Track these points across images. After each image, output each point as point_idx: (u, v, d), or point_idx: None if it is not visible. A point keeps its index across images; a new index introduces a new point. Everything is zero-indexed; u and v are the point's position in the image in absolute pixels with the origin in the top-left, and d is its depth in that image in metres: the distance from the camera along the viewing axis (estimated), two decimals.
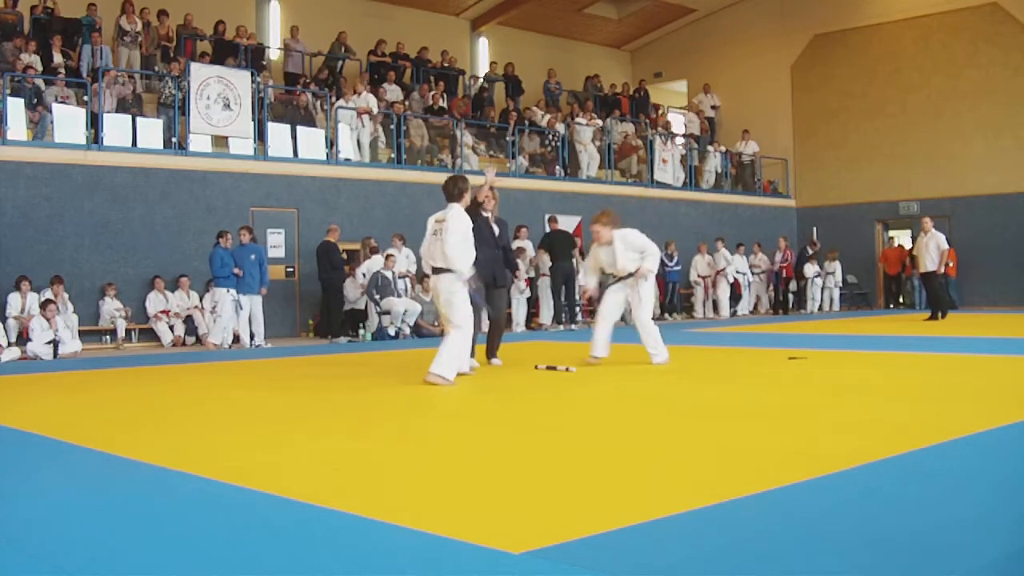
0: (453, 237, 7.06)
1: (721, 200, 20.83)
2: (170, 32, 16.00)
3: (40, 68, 13.55)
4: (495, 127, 18.39)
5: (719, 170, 21.20)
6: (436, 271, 7.27)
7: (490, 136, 18.38)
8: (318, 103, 15.49)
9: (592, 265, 8.81)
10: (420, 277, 14.35)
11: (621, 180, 19.41)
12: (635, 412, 5.57)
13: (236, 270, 12.19)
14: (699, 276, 18.43)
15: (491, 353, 9.05)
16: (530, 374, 8.06)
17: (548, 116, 18.81)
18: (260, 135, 14.30)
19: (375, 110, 15.80)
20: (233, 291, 12.24)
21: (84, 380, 8.30)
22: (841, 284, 20.37)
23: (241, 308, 12.42)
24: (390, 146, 16.13)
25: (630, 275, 8.46)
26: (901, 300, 20.26)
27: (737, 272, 18.77)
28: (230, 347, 12.30)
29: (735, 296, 18.79)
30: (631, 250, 8.43)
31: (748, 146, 22.03)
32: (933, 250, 14.78)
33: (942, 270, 15.06)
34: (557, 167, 18.08)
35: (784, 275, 19.68)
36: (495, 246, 8.80)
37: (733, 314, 18.55)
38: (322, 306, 13.95)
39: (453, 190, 7.27)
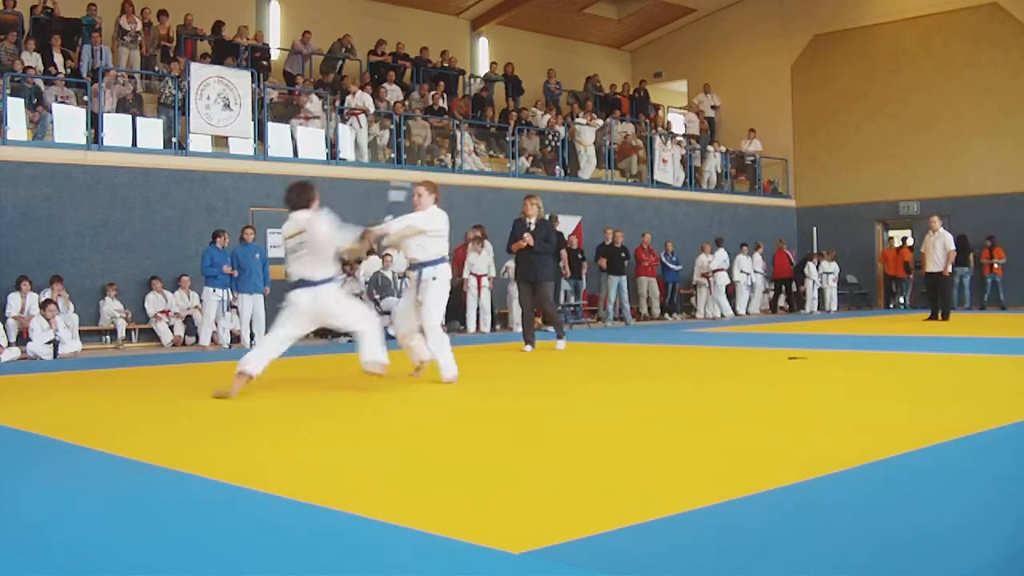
0: (328, 236, 6.37)
1: (721, 200, 20.85)
2: (170, 32, 16.01)
3: (40, 68, 13.56)
4: (495, 127, 18.39)
5: (719, 170, 21.22)
6: (307, 284, 6.47)
7: (490, 136, 18.39)
8: (319, 103, 15.48)
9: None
10: None
11: (621, 180, 19.42)
12: (635, 412, 5.57)
13: (227, 269, 12.16)
14: (703, 276, 18.45)
15: (558, 337, 10.50)
16: (529, 374, 8.06)
17: (547, 117, 18.81)
18: (260, 135, 14.30)
19: (371, 110, 15.78)
20: (219, 291, 12.24)
21: (84, 380, 8.30)
22: (839, 284, 20.41)
23: (228, 309, 12.43)
24: (390, 146, 16.13)
25: (420, 269, 7.22)
26: (903, 301, 20.27)
27: (741, 272, 18.81)
28: (230, 347, 12.29)
29: (731, 296, 18.83)
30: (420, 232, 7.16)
31: (753, 144, 22.04)
32: (940, 250, 14.70)
33: (949, 270, 14.97)
34: (557, 167, 18.08)
35: (773, 276, 19.88)
36: (535, 248, 10.14)
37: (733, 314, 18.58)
38: None
39: (299, 200, 6.51)
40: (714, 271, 18.16)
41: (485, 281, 14.90)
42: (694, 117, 22.66)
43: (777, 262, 20.02)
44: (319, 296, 6.46)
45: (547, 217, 11.06)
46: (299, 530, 2.95)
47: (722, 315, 18.05)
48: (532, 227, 10.27)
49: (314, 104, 15.24)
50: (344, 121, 15.44)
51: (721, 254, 18.21)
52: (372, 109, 15.80)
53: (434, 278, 7.14)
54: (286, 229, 6.60)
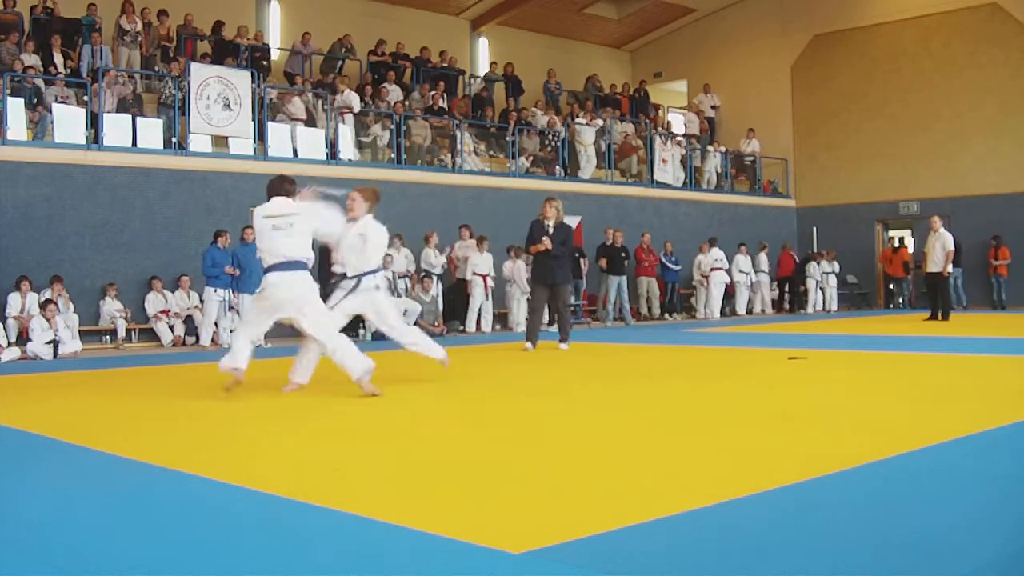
0: (324, 216, 6.44)
1: (721, 200, 20.85)
2: (170, 32, 16.01)
3: (40, 68, 13.56)
4: (495, 127, 18.40)
5: (719, 170, 21.22)
6: (285, 266, 6.26)
7: (490, 136, 18.39)
8: (319, 103, 15.49)
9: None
10: (420, 277, 14.38)
11: (621, 180, 19.42)
12: (635, 412, 5.57)
13: (229, 269, 12.17)
14: (701, 276, 18.47)
15: (562, 339, 10.53)
16: (530, 374, 8.06)
17: (548, 117, 18.80)
18: (260, 135, 14.30)
19: (357, 108, 15.65)
20: (220, 291, 12.26)
21: (84, 380, 8.30)
22: (839, 284, 20.43)
23: (230, 308, 12.44)
24: (390, 146, 16.13)
25: (359, 280, 6.90)
26: (901, 301, 20.27)
27: (740, 272, 18.83)
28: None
29: (728, 296, 18.88)
30: (371, 245, 6.92)
31: (751, 144, 22.05)
32: (939, 251, 14.70)
33: (949, 270, 14.96)
34: (557, 167, 18.08)
35: (777, 275, 19.98)
36: (552, 251, 10.17)
37: (727, 314, 18.60)
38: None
39: (281, 188, 6.45)
40: (711, 270, 18.17)
41: (489, 281, 14.88)
42: (694, 117, 22.65)
43: (782, 262, 20.08)
44: (294, 282, 6.28)
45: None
46: (299, 530, 2.95)
47: (714, 315, 18.00)
48: (551, 230, 10.29)
49: (296, 106, 15.13)
50: (330, 119, 15.40)
51: (715, 253, 18.18)
52: (357, 108, 15.64)
53: (377, 287, 7.07)
54: (272, 208, 6.36)
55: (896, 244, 20.71)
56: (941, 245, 14.70)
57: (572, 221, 17.08)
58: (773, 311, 19.99)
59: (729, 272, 18.53)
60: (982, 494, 3.32)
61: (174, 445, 4.66)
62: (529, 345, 10.40)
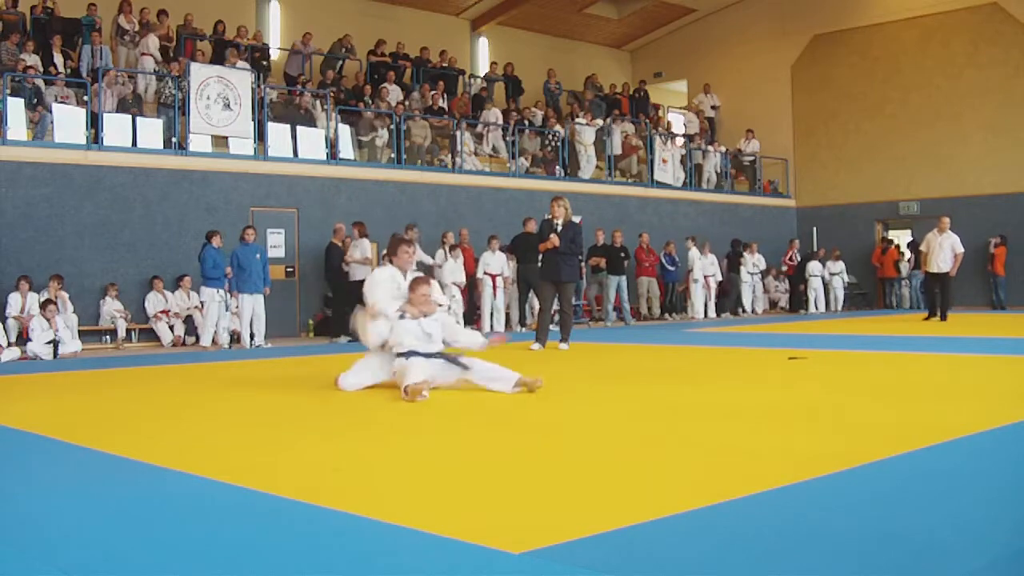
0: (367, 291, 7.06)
1: (721, 200, 20.85)
2: (170, 32, 16.01)
3: (40, 68, 13.56)
4: (495, 127, 18.39)
5: (719, 170, 21.22)
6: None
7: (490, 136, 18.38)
8: (318, 103, 15.50)
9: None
10: None
11: (621, 180, 19.42)
12: (634, 412, 5.57)
13: (228, 272, 12.16)
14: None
15: (563, 339, 10.67)
16: (530, 374, 8.05)
17: (546, 118, 18.77)
18: (260, 135, 14.29)
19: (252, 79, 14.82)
20: (221, 291, 12.25)
21: (84, 380, 8.30)
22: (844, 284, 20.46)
23: (228, 309, 12.44)
24: (390, 146, 16.13)
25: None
26: (894, 301, 20.25)
27: (747, 272, 18.87)
28: (230, 347, 12.30)
29: (727, 296, 18.88)
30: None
31: (751, 144, 22.05)
32: (948, 251, 14.66)
33: (955, 272, 14.93)
34: (557, 167, 18.08)
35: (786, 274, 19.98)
36: (560, 249, 10.35)
37: (727, 311, 18.60)
38: (333, 305, 13.84)
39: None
40: (689, 271, 18.13)
41: (499, 281, 14.78)
42: (694, 117, 22.66)
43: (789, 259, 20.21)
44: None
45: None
46: (300, 530, 2.95)
47: (700, 315, 17.94)
48: (559, 228, 10.46)
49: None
50: (329, 119, 15.40)
51: (692, 253, 18.06)
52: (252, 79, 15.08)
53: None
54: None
55: (884, 244, 20.68)
56: (950, 246, 14.66)
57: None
58: (770, 310, 19.99)
59: (724, 273, 18.60)
60: (982, 494, 3.32)
61: (174, 445, 4.66)
62: (537, 345, 10.46)
